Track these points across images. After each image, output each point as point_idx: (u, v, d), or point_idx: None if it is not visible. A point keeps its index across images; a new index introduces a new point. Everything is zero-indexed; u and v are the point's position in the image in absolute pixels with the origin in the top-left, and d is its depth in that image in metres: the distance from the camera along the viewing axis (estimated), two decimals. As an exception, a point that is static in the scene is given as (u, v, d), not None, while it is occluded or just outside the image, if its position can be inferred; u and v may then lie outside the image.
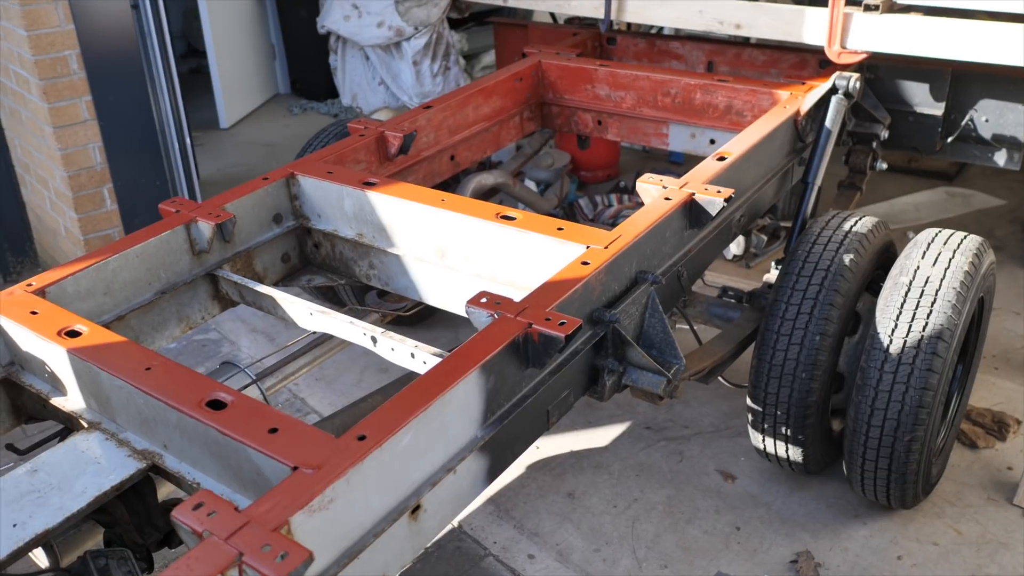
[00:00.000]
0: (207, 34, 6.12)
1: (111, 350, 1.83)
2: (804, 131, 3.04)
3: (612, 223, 4.30)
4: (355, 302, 3.31)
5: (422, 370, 2.07)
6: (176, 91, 4.03)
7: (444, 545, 2.63)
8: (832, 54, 3.13)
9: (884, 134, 3.42)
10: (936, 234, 2.60)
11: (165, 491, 1.96)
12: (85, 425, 1.89)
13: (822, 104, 3.09)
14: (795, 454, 2.63)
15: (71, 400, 1.94)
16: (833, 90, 3.09)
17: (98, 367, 1.79)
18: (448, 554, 2.60)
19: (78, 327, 1.91)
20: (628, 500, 2.79)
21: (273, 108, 6.84)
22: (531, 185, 4.43)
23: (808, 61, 3.59)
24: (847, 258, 2.54)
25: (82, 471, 1.75)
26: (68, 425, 2.00)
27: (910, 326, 2.37)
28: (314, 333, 2.70)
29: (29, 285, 2.10)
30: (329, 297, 3.41)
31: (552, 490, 2.85)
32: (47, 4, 3.51)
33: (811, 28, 3.19)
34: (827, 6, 3.11)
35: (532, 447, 3.04)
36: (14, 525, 1.61)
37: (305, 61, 6.87)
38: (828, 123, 3.06)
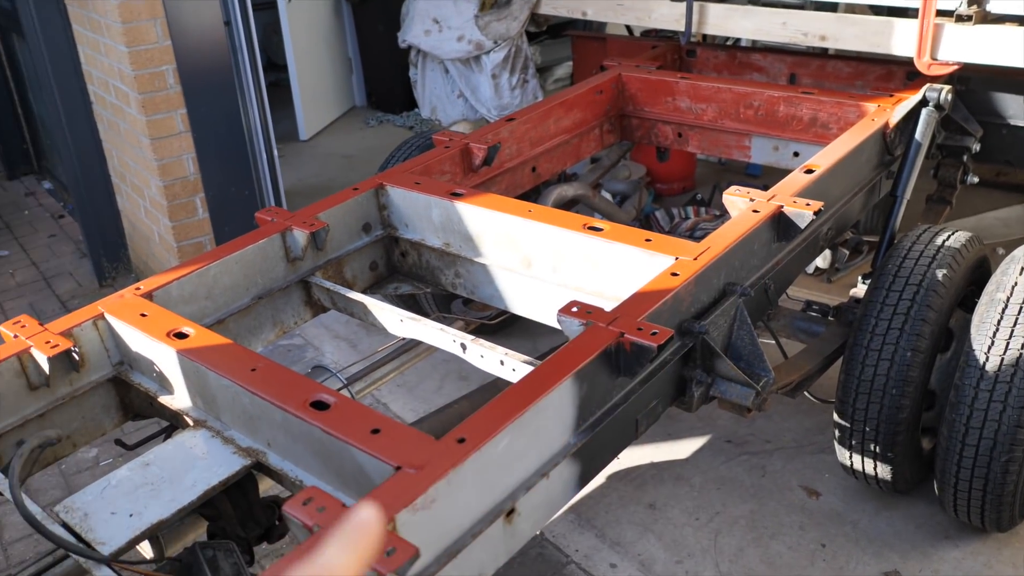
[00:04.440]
0: (288, 48, 6.31)
1: (217, 351, 1.91)
2: (893, 144, 2.99)
3: (689, 235, 4.28)
4: (437, 310, 3.37)
5: (511, 377, 2.11)
6: (265, 104, 4.17)
7: (527, 552, 2.65)
8: (922, 66, 3.08)
9: (976, 147, 3.35)
10: (1034, 250, 2.53)
11: (263, 487, 2.03)
12: (191, 423, 1.97)
13: (911, 117, 3.04)
14: (884, 472, 2.58)
15: (177, 398, 2.03)
16: (923, 102, 3.04)
17: (206, 367, 1.87)
18: (531, 560, 2.62)
19: (185, 329, 1.99)
20: (710, 513, 2.77)
21: (350, 120, 7.00)
22: (608, 197, 4.44)
23: (895, 73, 3.54)
24: (940, 273, 2.49)
25: (191, 466, 1.82)
26: (173, 422, 2.08)
27: (1007, 343, 2.31)
28: (400, 340, 2.77)
29: (138, 289, 2.20)
30: (410, 305, 3.47)
31: (633, 500, 2.85)
32: (147, 21, 3.68)
33: (900, 39, 3.15)
34: (911, 16, 3.06)
35: (612, 457, 3.06)
36: (131, 515, 1.69)
37: (381, 74, 7.02)
38: (918, 136, 3.01)
